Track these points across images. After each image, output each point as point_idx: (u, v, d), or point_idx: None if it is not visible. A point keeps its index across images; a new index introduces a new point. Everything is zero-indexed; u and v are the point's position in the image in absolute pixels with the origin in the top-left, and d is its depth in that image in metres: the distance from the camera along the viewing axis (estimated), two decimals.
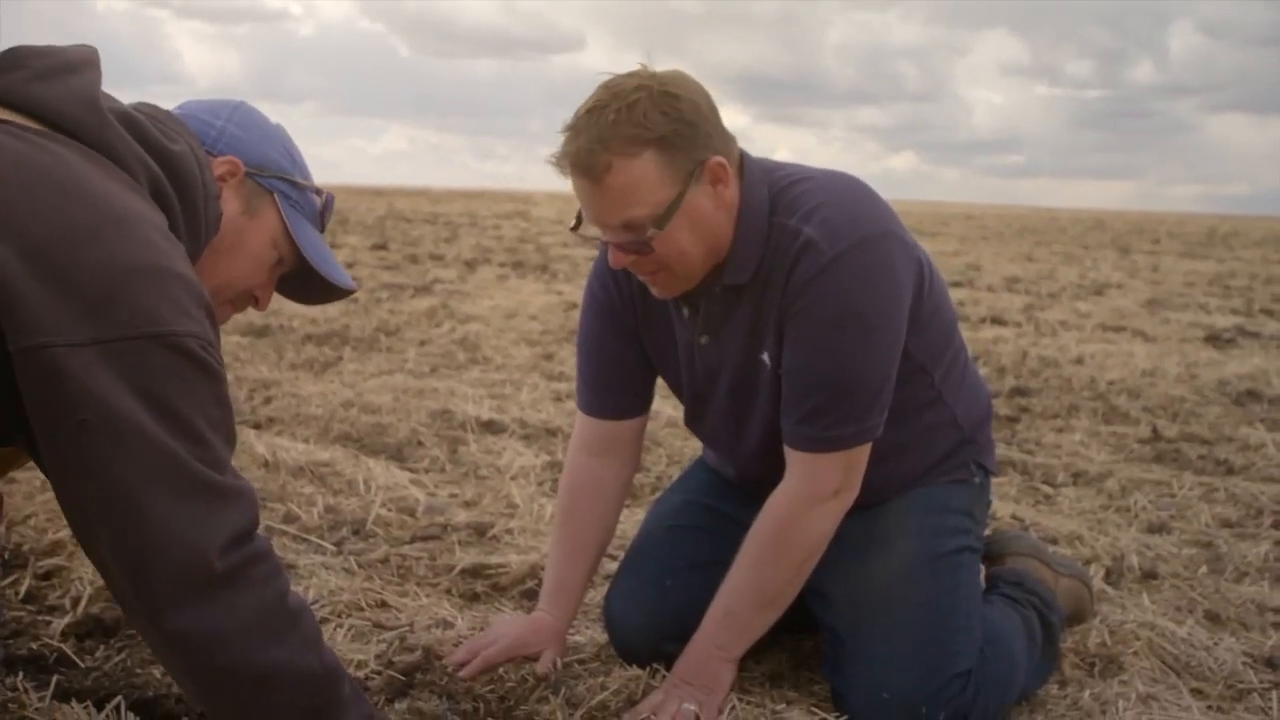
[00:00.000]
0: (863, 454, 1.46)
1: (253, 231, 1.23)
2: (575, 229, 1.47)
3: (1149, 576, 2.12)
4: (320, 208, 1.31)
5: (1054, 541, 2.32)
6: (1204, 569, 2.17)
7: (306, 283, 1.30)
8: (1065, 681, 1.65)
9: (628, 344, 1.61)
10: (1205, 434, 3.46)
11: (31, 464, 1.12)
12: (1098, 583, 2.03)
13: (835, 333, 1.40)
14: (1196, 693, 1.62)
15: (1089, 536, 2.34)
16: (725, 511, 1.67)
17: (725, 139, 1.42)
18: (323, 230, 1.33)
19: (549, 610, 1.61)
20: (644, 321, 1.59)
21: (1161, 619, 1.83)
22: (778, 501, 1.47)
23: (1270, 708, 1.57)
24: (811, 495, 1.45)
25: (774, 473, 1.50)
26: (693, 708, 1.41)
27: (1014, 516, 2.47)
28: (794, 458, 1.46)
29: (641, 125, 1.32)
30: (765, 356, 1.47)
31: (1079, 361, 4.88)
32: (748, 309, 1.47)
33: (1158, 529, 2.46)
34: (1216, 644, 1.76)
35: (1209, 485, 2.81)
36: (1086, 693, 1.59)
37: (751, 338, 1.48)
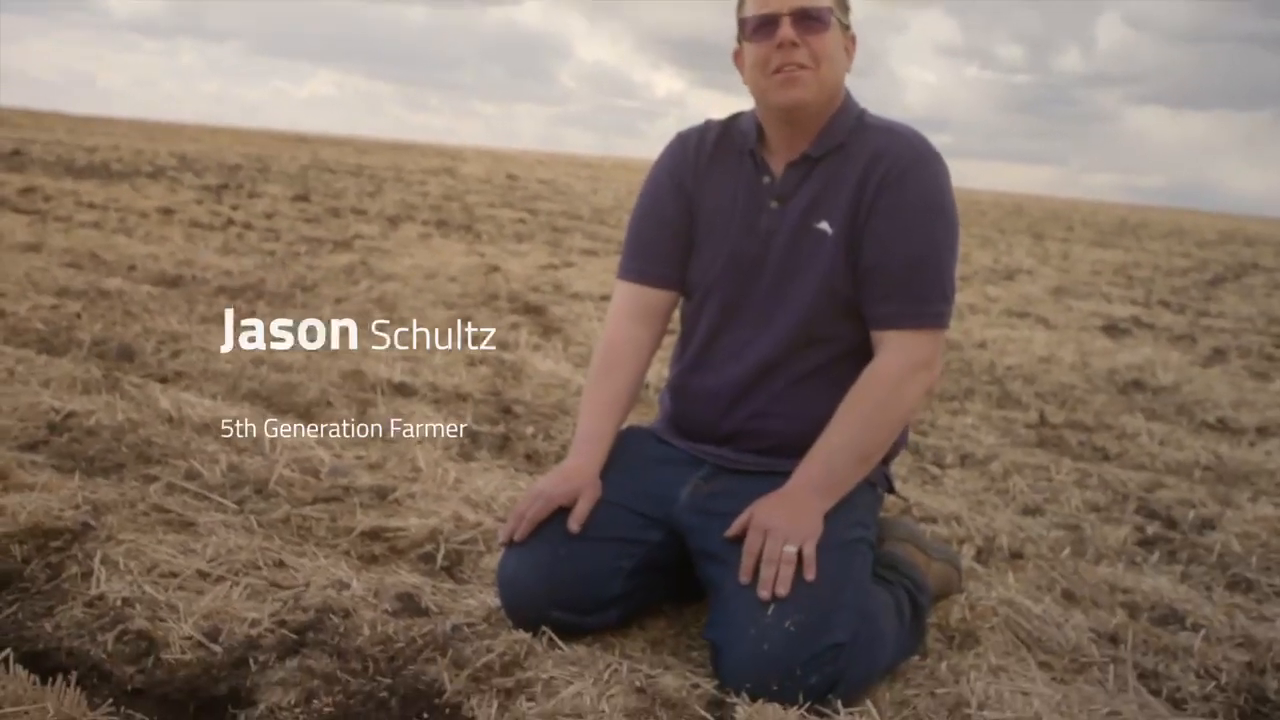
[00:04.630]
0: (944, 337, 1.74)
1: None
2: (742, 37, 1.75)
3: (1016, 556, 2.26)
4: None
5: (934, 521, 2.45)
6: (1067, 550, 2.31)
7: None
8: (926, 653, 1.77)
9: (681, 210, 1.82)
10: (1088, 421, 3.65)
11: None
12: (968, 562, 2.16)
13: (931, 220, 1.68)
14: (1043, 665, 1.75)
15: (967, 517, 2.47)
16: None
17: None
18: None
19: (582, 454, 1.76)
20: (705, 184, 1.80)
21: (1020, 596, 1.96)
22: (878, 370, 1.69)
23: (1107, 679, 1.71)
24: (911, 364, 1.68)
25: (730, 386, 1.76)
26: (793, 549, 1.55)
27: (899, 496, 2.59)
28: (891, 337, 1.69)
29: None
30: (825, 225, 1.71)
31: (981, 346, 5.07)
32: (818, 180, 1.73)
33: (1032, 511, 2.61)
34: (1067, 621, 1.89)
35: (1084, 471, 2.98)
36: (944, 664, 1.71)
37: (812, 206, 1.72)
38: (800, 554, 1.56)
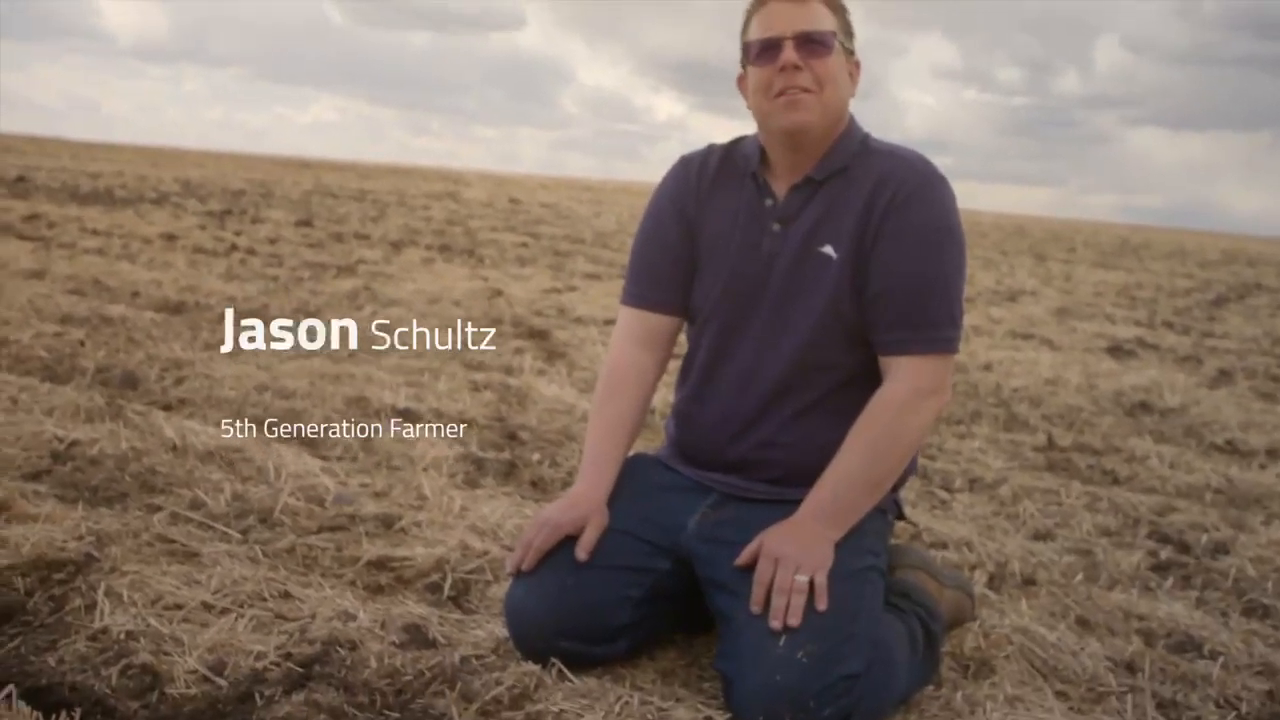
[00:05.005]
0: (954, 362, 1.74)
1: None
2: (744, 64, 1.76)
3: (1028, 582, 2.23)
4: None
5: (944, 546, 2.42)
6: (1080, 576, 2.29)
7: None
8: (940, 683, 1.74)
9: (682, 236, 1.81)
10: (1097, 444, 3.63)
11: None
12: (980, 588, 2.13)
13: (938, 244, 1.67)
14: (1060, 694, 1.73)
15: (977, 542, 2.45)
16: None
17: None
18: None
19: (588, 480, 1.75)
20: (707, 208, 1.80)
21: (1034, 624, 1.94)
22: (887, 397, 1.67)
23: (1125, 709, 1.68)
24: (920, 391, 1.66)
25: (736, 414, 1.75)
26: (805, 578, 1.54)
27: (909, 521, 2.57)
28: (899, 363, 1.68)
29: None
30: (829, 249, 1.70)
31: (987, 368, 5.05)
32: (821, 204, 1.72)
33: (1043, 536, 2.59)
34: (1083, 649, 1.87)
35: (1094, 494, 2.95)
36: (959, 694, 1.68)
37: (815, 230, 1.71)
38: (812, 583, 1.54)
